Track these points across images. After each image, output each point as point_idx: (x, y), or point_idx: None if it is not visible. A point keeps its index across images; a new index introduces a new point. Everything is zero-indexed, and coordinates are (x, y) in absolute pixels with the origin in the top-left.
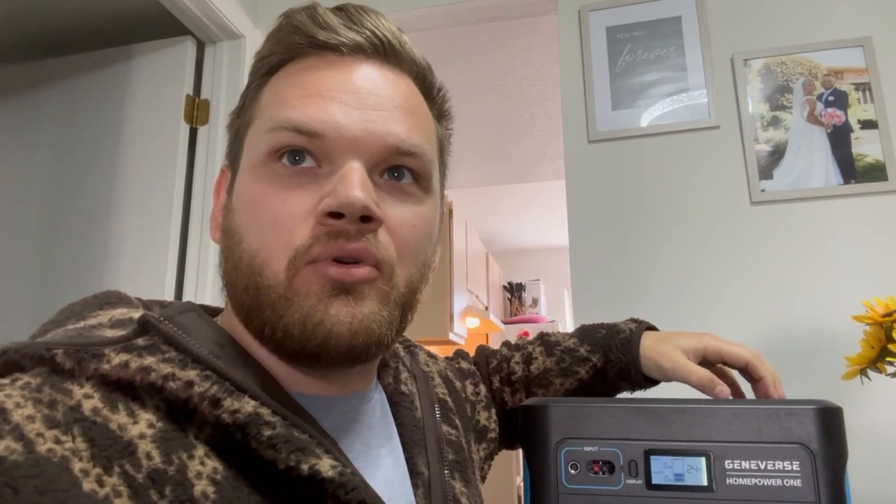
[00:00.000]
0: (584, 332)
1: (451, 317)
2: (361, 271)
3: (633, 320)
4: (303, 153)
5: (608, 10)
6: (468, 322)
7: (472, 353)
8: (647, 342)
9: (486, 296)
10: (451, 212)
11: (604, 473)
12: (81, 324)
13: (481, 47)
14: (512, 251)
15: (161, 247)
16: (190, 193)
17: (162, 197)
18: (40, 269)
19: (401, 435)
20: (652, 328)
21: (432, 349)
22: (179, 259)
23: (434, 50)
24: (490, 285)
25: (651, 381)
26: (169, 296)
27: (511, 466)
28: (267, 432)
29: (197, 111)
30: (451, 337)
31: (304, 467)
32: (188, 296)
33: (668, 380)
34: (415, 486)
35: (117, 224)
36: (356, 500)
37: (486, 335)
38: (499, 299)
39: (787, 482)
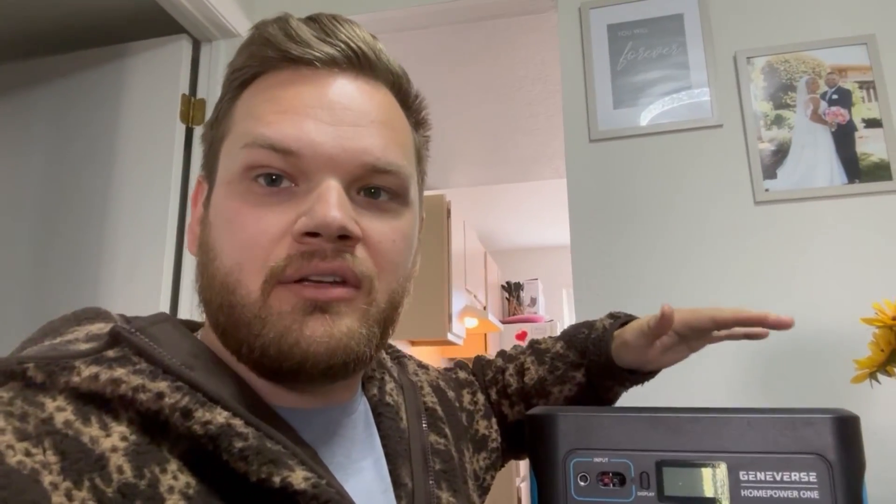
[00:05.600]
0: (570, 336)
1: (450, 317)
2: (336, 291)
3: (611, 315)
4: (279, 175)
5: (609, 7)
6: (467, 322)
7: (471, 358)
8: (622, 334)
9: (485, 295)
10: (448, 211)
11: (614, 485)
12: (58, 339)
13: (481, 46)
14: (510, 250)
15: (157, 247)
16: (186, 193)
17: (158, 197)
18: (35, 270)
19: (385, 446)
20: (631, 319)
21: (431, 349)
22: (176, 258)
23: (433, 48)
24: (488, 285)
25: (643, 376)
26: (166, 296)
27: (511, 470)
28: (238, 444)
29: (193, 111)
30: (450, 337)
31: (276, 479)
32: (185, 296)
33: (645, 362)
34: (398, 497)
35: (113, 224)
36: None
37: (485, 335)
38: (497, 299)
39: (803, 494)
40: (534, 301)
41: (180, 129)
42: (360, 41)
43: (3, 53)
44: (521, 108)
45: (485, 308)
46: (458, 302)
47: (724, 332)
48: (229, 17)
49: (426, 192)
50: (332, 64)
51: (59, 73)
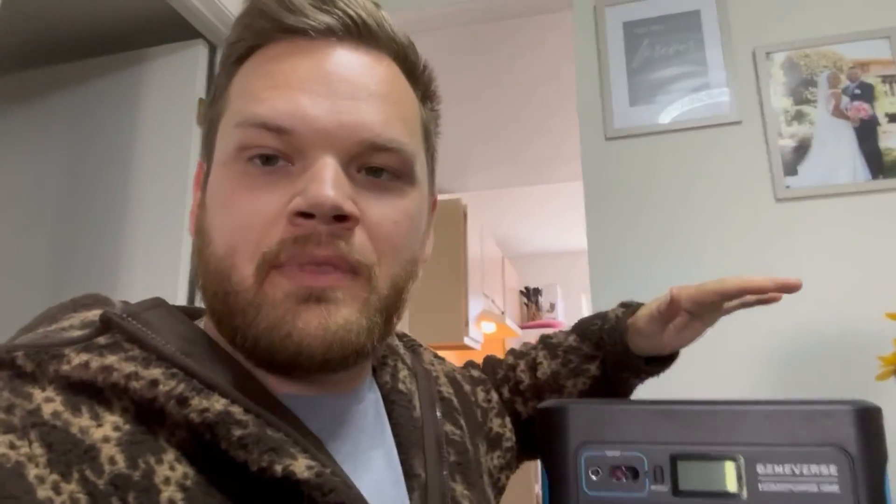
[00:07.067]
0: (582, 329)
1: (467, 321)
2: (331, 276)
3: (623, 304)
4: (274, 155)
5: (625, 4)
6: (484, 327)
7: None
8: (634, 322)
9: (503, 300)
10: (465, 215)
11: (627, 480)
12: (53, 326)
13: (495, 46)
14: (528, 255)
15: (174, 250)
16: None
17: (175, 200)
18: (54, 273)
19: (396, 435)
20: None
21: (447, 354)
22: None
23: (447, 49)
24: (506, 290)
25: (657, 365)
26: (182, 299)
27: (529, 473)
28: (237, 432)
29: None
30: (467, 342)
31: (278, 468)
32: (199, 300)
33: (661, 346)
34: (410, 489)
35: (130, 228)
36: (334, 502)
37: (503, 340)
38: (515, 304)
39: (823, 487)
40: (553, 306)
41: (197, 132)
42: (360, 8)
43: (24, 60)
44: (536, 108)
45: (503, 313)
46: (476, 306)
47: (735, 302)
48: None
49: (442, 196)
50: (328, 34)
51: (78, 80)
